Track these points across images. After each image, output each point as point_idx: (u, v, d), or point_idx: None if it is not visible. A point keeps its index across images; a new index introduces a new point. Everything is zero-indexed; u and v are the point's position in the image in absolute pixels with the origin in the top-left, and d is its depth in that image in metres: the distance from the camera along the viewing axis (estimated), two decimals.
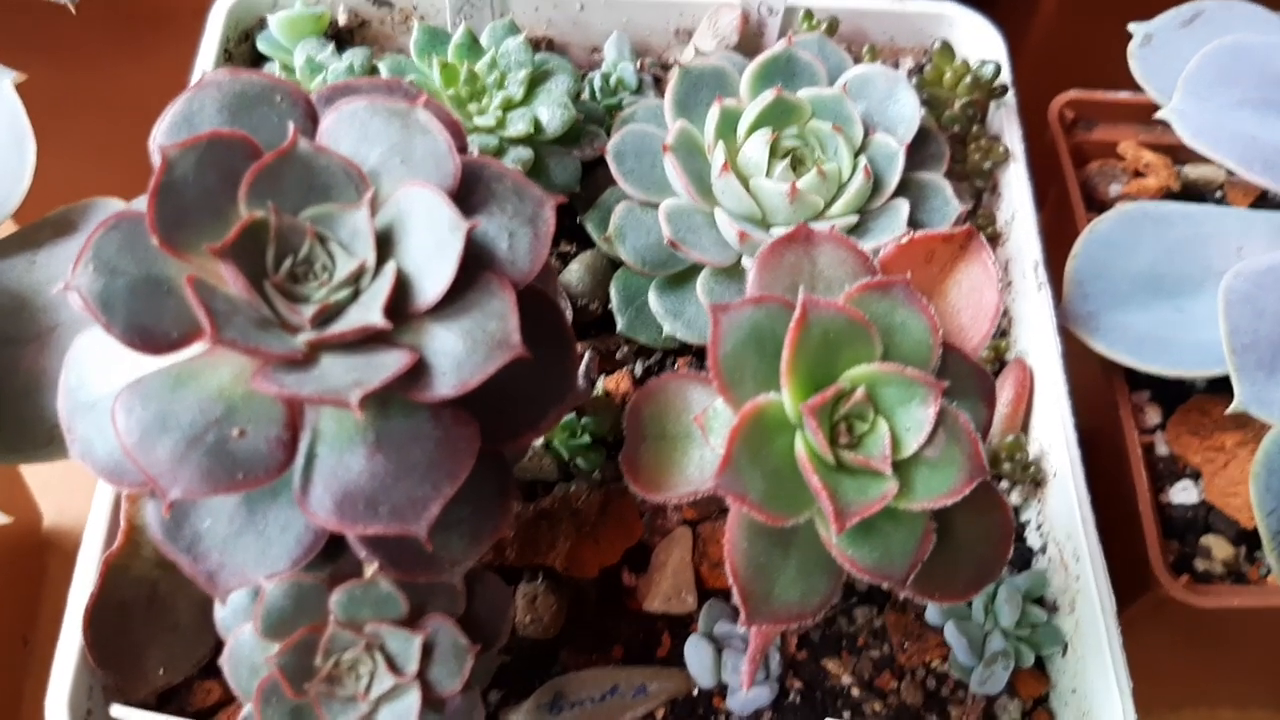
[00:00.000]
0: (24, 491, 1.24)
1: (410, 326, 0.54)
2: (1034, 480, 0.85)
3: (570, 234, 0.93)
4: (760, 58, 0.87)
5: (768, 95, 0.84)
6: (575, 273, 0.89)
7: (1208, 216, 0.92)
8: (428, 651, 0.59)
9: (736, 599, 0.58)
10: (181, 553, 0.56)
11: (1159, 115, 0.86)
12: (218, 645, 0.62)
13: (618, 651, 0.77)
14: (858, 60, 0.96)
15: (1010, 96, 0.99)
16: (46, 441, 0.74)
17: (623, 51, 1.01)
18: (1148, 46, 0.96)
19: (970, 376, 0.61)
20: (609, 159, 0.85)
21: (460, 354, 0.53)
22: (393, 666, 0.58)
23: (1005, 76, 0.98)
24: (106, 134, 1.05)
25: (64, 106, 1.12)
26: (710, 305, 0.57)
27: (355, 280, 0.55)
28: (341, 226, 0.56)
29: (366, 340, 0.54)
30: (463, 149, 0.60)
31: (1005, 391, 0.88)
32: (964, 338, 0.65)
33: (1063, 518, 0.81)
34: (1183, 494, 0.93)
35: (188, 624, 0.72)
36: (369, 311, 0.53)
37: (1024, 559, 0.84)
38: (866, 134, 0.86)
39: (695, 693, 0.76)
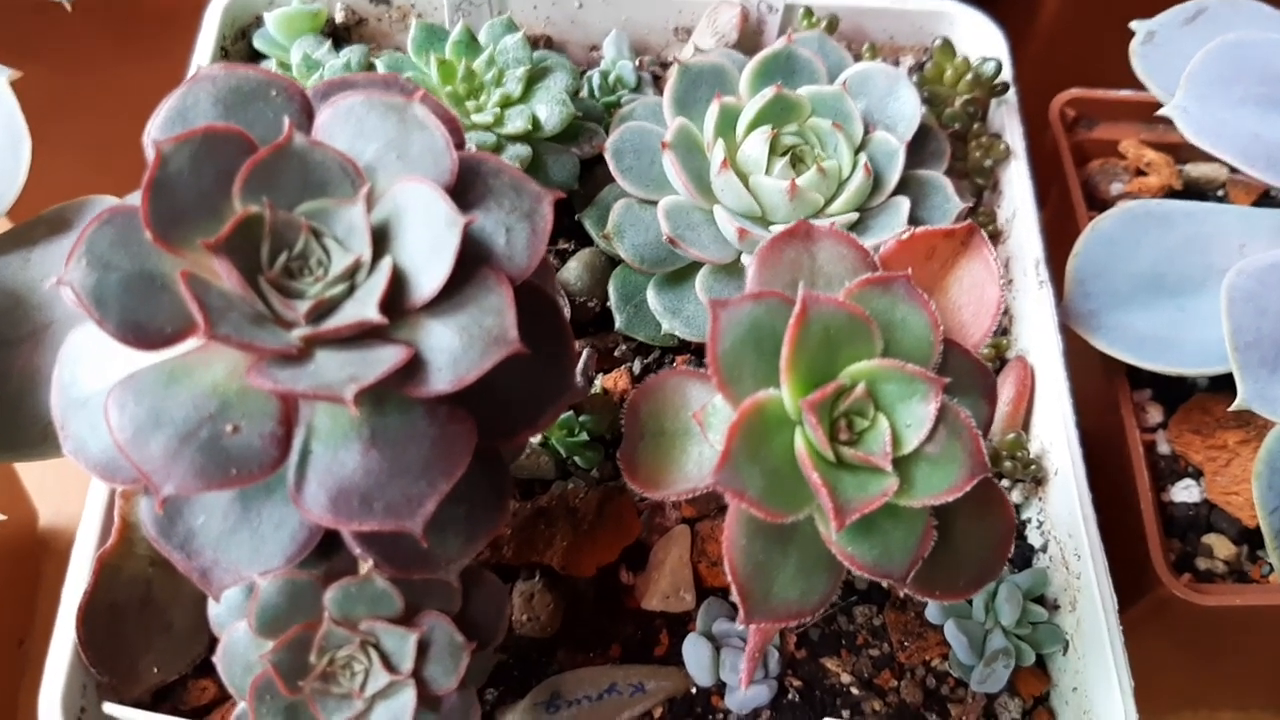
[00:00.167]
0: (20, 492, 1.24)
1: (406, 322, 0.54)
2: (1035, 479, 0.85)
3: (569, 232, 0.93)
4: (760, 55, 0.87)
5: (767, 92, 0.83)
6: (574, 270, 0.89)
7: (1209, 215, 0.92)
8: (423, 649, 0.58)
9: (735, 597, 0.57)
10: (175, 549, 0.56)
11: (1161, 113, 0.86)
12: (212, 643, 0.62)
13: (616, 650, 0.77)
14: (858, 58, 0.96)
15: (1011, 94, 0.99)
16: (41, 440, 0.73)
17: (621, 49, 1.01)
18: (1150, 44, 0.95)
19: (971, 373, 0.61)
20: (608, 156, 0.85)
21: (456, 350, 0.53)
22: (388, 664, 0.58)
23: (1006, 74, 0.98)
24: (103, 133, 1.04)
25: (60, 106, 1.12)
26: (709, 301, 0.57)
27: (351, 276, 0.54)
28: (337, 222, 0.55)
29: (362, 336, 0.53)
30: (460, 145, 0.59)
31: (1006, 390, 0.87)
32: (965, 334, 0.65)
33: (1064, 516, 0.81)
34: (1185, 493, 0.93)
35: (182, 622, 0.71)
36: (364, 307, 0.53)
37: (1025, 557, 0.84)
38: (867, 131, 0.85)
39: (693, 691, 0.76)
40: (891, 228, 0.82)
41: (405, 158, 0.57)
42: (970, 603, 0.79)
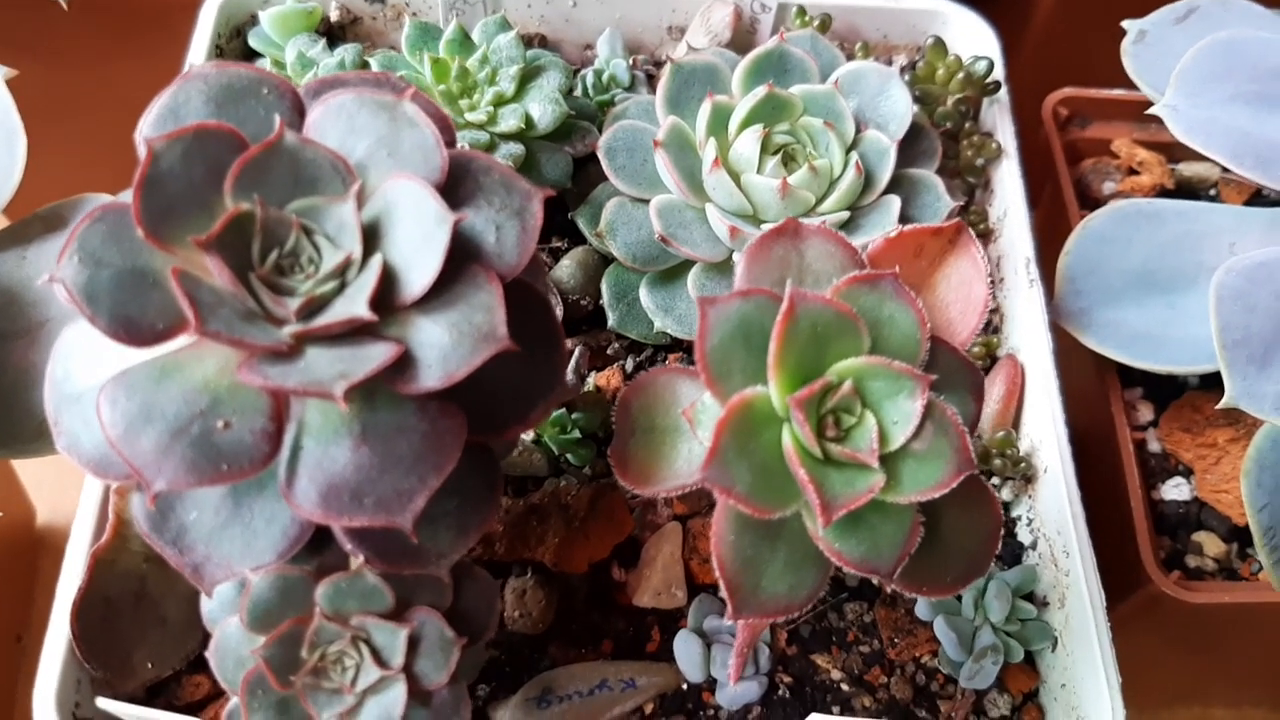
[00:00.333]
0: (17, 488, 1.24)
1: (396, 319, 0.54)
2: (1025, 476, 0.85)
3: (562, 230, 0.93)
4: (752, 54, 0.87)
5: (759, 91, 0.84)
6: (566, 268, 0.89)
7: (1200, 213, 0.92)
8: (414, 644, 0.59)
9: (723, 592, 0.58)
10: (167, 545, 0.56)
11: (1151, 111, 0.86)
12: (206, 639, 0.62)
13: (607, 646, 0.77)
14: (850, 57, 0.96)
15: (1003, 93, 0.99)
16: (36, 436, 0.74)
17: (615, 48, 1.01)
18: (1141, 43, 0.96)
19: (959, 370, 0.61)
20: (600, 155, 0.85)
21: (446, 346, 0.53)
22: (379, 659, 0.58)
23: (998, 73, 0.98)
24: (98, 131, 1.05)
25: (56, 104, 1.12)
26: (698, 298, 0.57)
27: (341, 273, 0.55)
28: (328, 219, 0.56)
29: (352, 333, 0.54)
30: (451, 142, 0.60)
31: (996, 388, 0.88)
32: (953, 331, 0.65)
33: (1053, 513, 0.81)
34: (1175, 491, 0.93)
35: (176, 618, 0.72)
36: (354, 304, 0.53)
37: (1014, 555, 0.84)
38: (858, 130, 0.86)
39: (684, 687, 0.76)
40: (883, 226, 0.83)
41: (396, 155, 0.57)
42: (960, 599, 0.80)
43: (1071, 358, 0.90)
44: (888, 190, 0.85)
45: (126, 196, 0.53)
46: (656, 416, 0.65)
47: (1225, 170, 1.05)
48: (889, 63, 1.04)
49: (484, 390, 0.57)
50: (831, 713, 0.75)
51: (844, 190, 0.83)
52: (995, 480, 0.86)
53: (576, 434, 0.81)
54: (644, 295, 0.86)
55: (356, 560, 0.58)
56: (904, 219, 0.83)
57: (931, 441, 0.58)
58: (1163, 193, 1.07)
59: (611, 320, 0.87)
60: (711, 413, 0.60)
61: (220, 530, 0.56)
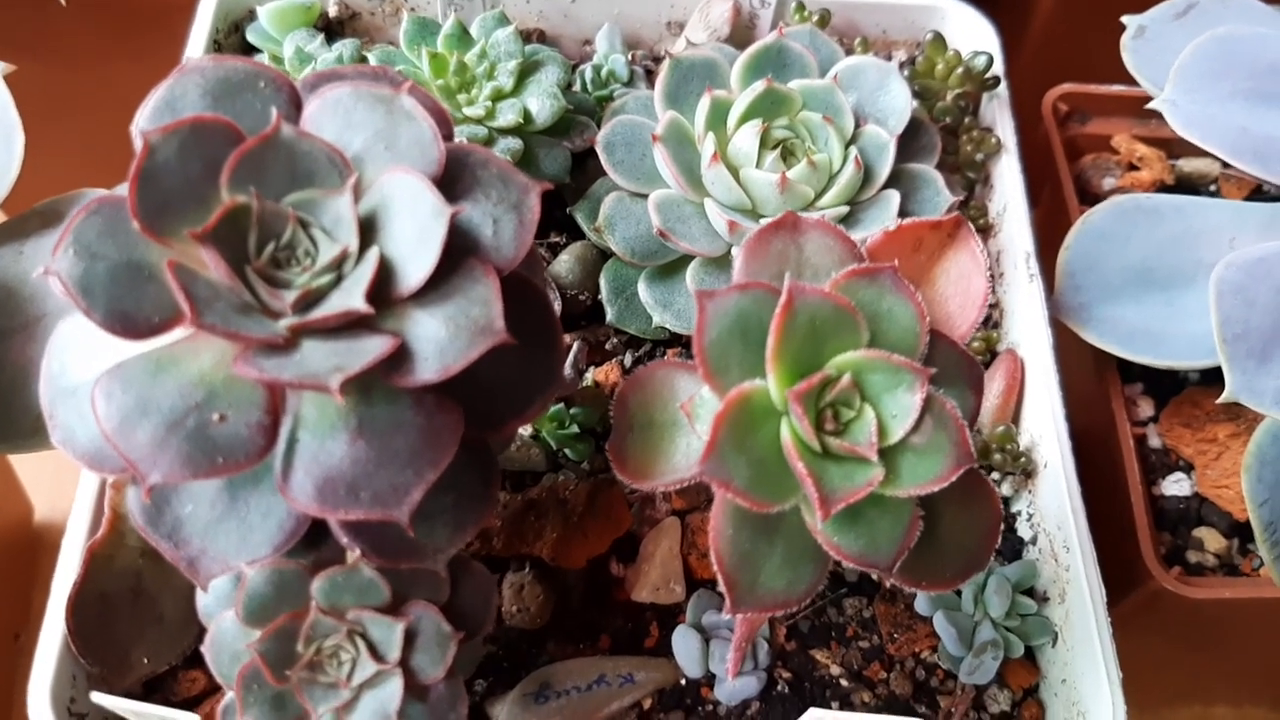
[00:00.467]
0: (15, 486, 1.24)
1: (393, 312, 0.54)
2: (1025, 471, 0.85)
3: (561, 225, 0.93)
4: (751, 49, 0.87)
5: (758, 86, 0.83)
6: (565, 263, 0.89)
7: (1200, 209, 0.92)
8: (410, 639, 0.58)
9: (721, 586, 0.57)
10: (163, 539, 0.56)
11: (1150, 106, 0.86)
12: (201, 635, 0.62)
13: (605, 642, 0.77)
14: (850, 52, 0.96)
15: (1003, 88, 0.99)
16: (33, 431, 0.73)
17: (614, 44, 1.01)
18: (1141, 39, 0.95)
19: (958, 364, 0.61)
20: (599, 150, 0.85)
21: (443, 340, 0.53)
22: (375, 653, 0.58)
23: (998, 68, 0.98)
24: (97, 128, 1.05)
25: (55, 100, 1.12)
26: (696, 292, 0.57)
27: (338, 266, 0.55)
28: (324, 212, 0.55)
29: (349, 326, 0.53)
30: (448, 136, 0.60)
31: (996, 383, 0.88)
32: (952, 325, 0.65)
33: (1053, 509, 0.81)
34: (1175, 486, 0.93)
35: (172, 614, 0.71)
36: (351, 297, 0.53)
37: (1014, 550, 0.84)
38: (857, 125, 0.86)
39: (683, 682, 0.76)
40: (882, 221, 0.83)
41: (393, 149, 0.57)
42: (959, 595, 0.80)
43: (1072, 354, 0.90)
44: (887, 185, 0.85)
45: (122, 190, 0.53)
46: (654, 411, 0.65)
47: (1225, 166, 1.06)
48: (888, 58, 1.04)
49: (481, 385, 0.56)
50: (830, 708, 0.75)
51: (843, 185, 0.83)
52: (995, 475, 0.86)
53: (575, 429, 0.81)
54: (643, 290, 0.86)
55: (353, 555, 0.58)
56: (903, 214, 0.83)
57: (931, 435, 0.58)
58: (1163, 188, 1.07)
59: (610, 315, 0.87)
60: (710, 407, 0.60)
61: (216, 524, 0.56)
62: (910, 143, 0.88)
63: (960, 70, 0.96)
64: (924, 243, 0.66)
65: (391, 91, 0.57)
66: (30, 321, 0.78)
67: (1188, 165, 1.09)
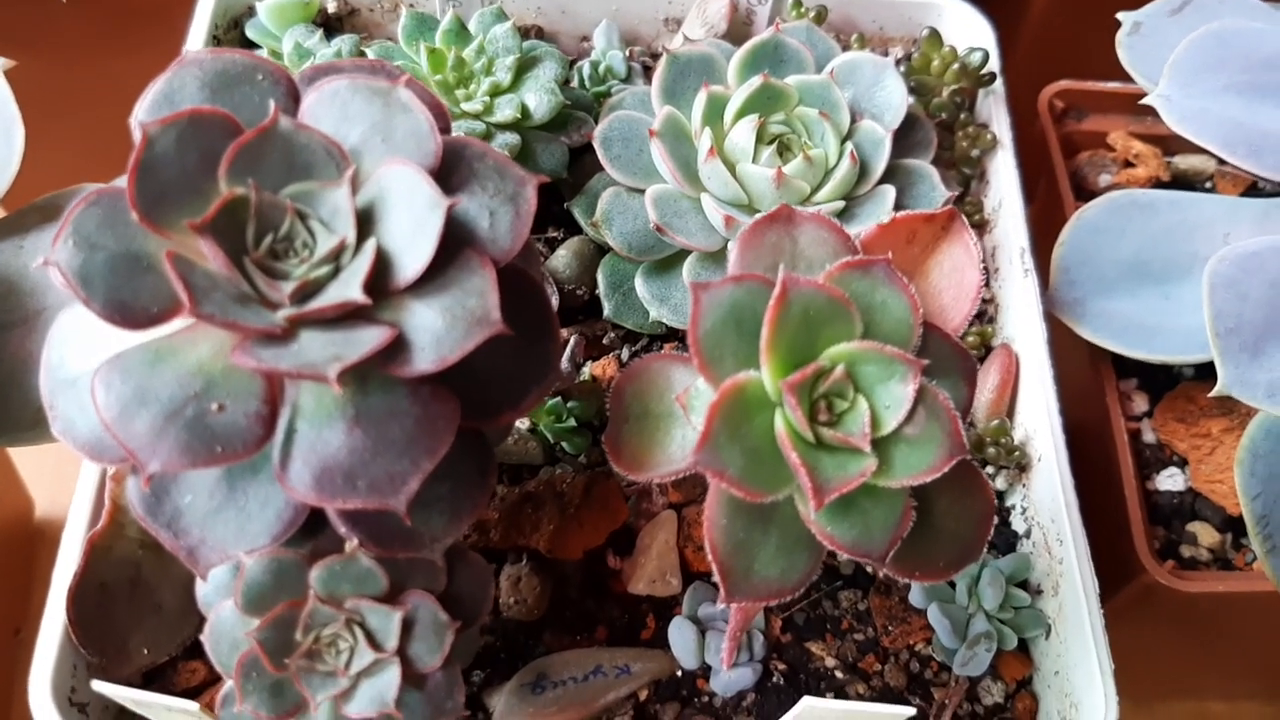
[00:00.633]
0: (15, 481, 1.24)
1: (390, 303, 0.54)
2: (1019, 465, 0.85)
3: (558, 220, 0.94)
4: (748, 44, 0.87)
5: (755, 81, 0.84)
6: (563, 258, 0.89)
7: (1194, 204, 0.92)
8: (408, 627, 0.59)
9: (716, 575, 0.58)
10: (162, 528, 0.56)
11: (1144, 101, 0.86)
12: (201, 625, 0.62)
13: (602, 633, 0.78)
14: (846, 49, 0.96)
15: (999, 84, 0.99)
16: (33, 424, 0.74)
17: (612, 40, 1.02)
18: (1136, 35, 0.96)
19: (951, 356, 0.62)
20: (596, 145, 0.86)
21: (440, 330, 0.53)
22: (372, 642, 0.59)
23: (994, 64, 0.99)
24: (97, 123, 1.05)
25: (55, 96, 1.12)
26: (691, 284, 0.57)
27: (335, 257, 0.55)
28: (322, 204, 0.56)
29: (346, 316, 0.54)
30: (445, 129, 0.60)
31: (991, 377, 0.88)
32: (945, 318, 0.65)
33: (1047, 502, 0.81)
34: (1169, 481, 0.93)
35: (172, 604, 0.72)
36: (348, 288, 0.53)
37: (1009, 543, 0.85)
38: (853, 120, 0.86)
39: (679, 674, 0.76)
40: (877, 216, 0.83)
41: (390, 141, 0.57)
42: (953, 587, 0.80)
43: (1067, 349, 0.91)
44: (883, 180, 0.85)
45: (121, 181, 0.54)
46: (650, 403, 0.65)
47: (1221, 162, 1.06)
48: (885, 54, 1.04)
49: (477, 376, 0.57)
50: (824, 698, 0.75)
51: (839, 180, 0.83)
52: (990, 469, 0.86)
53: (572, 422, 0.82)
54: (640, 285, 0.86)
55: (351, 544, 0.58)
56: (899, 209, 0.84)
57: (924, 426, 0.58)
58: (1158, 185, 1.07)
59: (607, 310, 0.88)
60: (705, 398, 0.60)
61: (215, 514, 0.56)
62: (906, 138, 0.89)
63: (956, 66, 0.96)
64: (918, 236, 0.66)
65: (388, 84, 0.57)
66: (30, 315, 0.78)
67: (1184, 162, 1.10)
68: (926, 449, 0.58)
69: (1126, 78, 0.96)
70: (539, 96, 0.88)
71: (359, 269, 0.54)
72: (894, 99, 0.87)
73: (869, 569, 0.81)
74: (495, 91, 0.87)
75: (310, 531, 0.58)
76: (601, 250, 0.90)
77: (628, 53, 1.02)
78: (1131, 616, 0.92)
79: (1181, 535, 0.92)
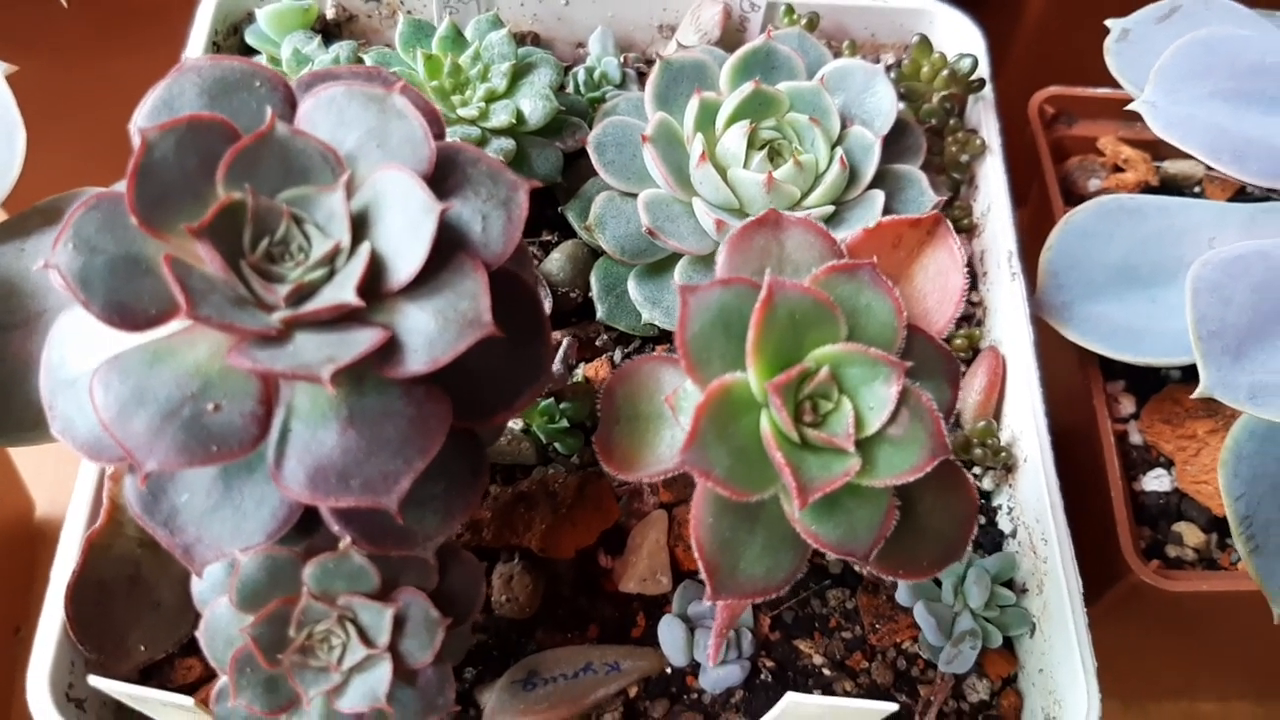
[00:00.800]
0: (16, 481, 1.25)
1: (384, 305, 0.55)
2: (1005, 466, 0.86)
3: (552, 224, 0.95)
4: (740, 51, 0.88)
5: (746, 88, 0.85)
6: (556, 261, 0.91)
7: (1182, 209, 0.93)
8: (399, 624, 0.60)
9: (702, 573, 0.59)
10: (159, 526, 0.58)
11: (1130, 107, 0.87)
12: (198, 622, 0.63)
13: (593, 631, 0.79)
14: (838, 55, 0.97)
15: (988, 90, 1.00)
16: (34, 425, 0.75)
17: (607, 46, 1.03)
18: (1124, 41, 0.97)
19: (935, 358, 0.63)
20: (590, 150, 0.87)
21: (432, 332, 0.54)
22: (364, 638, 0.60)
23: (983, 70, 1.00)
24: (98, 127, 1.06)
25: (57, 101, 1.13)
26: (680, 286, 0.59)
27: (330, 260, 0.56)
28: (318, 208, 0.57)
29: (341, 319, 0.55)
30: (440, 135, 0.61)
31: (978, 379, 0.89)
32: (929, 321, 0.66)
33: (1032, 502, 0.82)
34: (1156, 482, 0.94)
35: (169, 602, 0.73)
36: (343, 290, 0.54)
37: (995, 543, 0.86)
38: (844, 126, 0.87)
39: (668, 671, 0.77)
40: (867, 220, 0.84)
41: (385, 146, 0.58)
42: (939, 586, 0.81)
43: (1055, 352, 0.92)
44: (872, 185, 0.87)
45: (120, 186, 0.55)
46: (640, 404, 0.66)
47: (1210, 168, 1.07)
48: (876, 61, 1.05)
49: (470, 377, 0.58)
50: (812, 694, 0.76)
51: (829, 185, 0.84)
52: (977, 470, 0.88)
53: (565, 423, 0.83)
54: (632, 288, 0.87)
55: (344, 542, 0.59)
56: (888, 213, 0.85)
57: (907, 427, 0.59)
58: (1148, 190, 1.08)
59: (600, 312, 0.89)
60: (693, 399, 0.62)
61: (211, 512, 0.58)
62: (896, 144, 0.90)
63: (946, 72, 0.97)
64: (903, 240, 0.68)
65: (384, 91, 0.59)
66: (31, 317, 0.79)
67: (1173, 167, 1.11)
68: (910, 449, 0.59)
69: (1117, 84, 0.97)
70: (534, 102, 0.89)
71: (353, 272, 0.55)
72: (884, 105, 0.89)
73: (857, 568, 0.82)
74: (491, 97, 0.89)
75: (305, 530, 0.59)
76: (595, 254, 0.91)
77: (623, 59, 1.03)
78: (1119, 617, 0.93)
79: (1167, 535, 0.93)
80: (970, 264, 0.98)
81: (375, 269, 0.55)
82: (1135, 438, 0.96)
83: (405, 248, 0.55)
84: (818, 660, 0.78)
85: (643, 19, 1.05)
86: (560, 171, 0.92)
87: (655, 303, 0.87)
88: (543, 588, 0.79)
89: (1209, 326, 0.78)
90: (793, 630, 0.80)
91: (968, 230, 0.98)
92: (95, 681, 0.64)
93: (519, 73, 0.91)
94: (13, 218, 0.82)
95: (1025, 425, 0.85)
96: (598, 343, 0.91)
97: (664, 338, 0.91)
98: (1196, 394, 0.76)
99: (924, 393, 0.59)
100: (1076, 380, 0.96)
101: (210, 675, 0.75)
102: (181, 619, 0.74)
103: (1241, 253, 0.82)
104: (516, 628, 0.78)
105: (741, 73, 0.88)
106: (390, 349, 0.54)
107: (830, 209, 0.85)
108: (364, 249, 0.56)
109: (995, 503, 0.87)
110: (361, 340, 0.53)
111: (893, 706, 0.60)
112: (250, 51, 1.01)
